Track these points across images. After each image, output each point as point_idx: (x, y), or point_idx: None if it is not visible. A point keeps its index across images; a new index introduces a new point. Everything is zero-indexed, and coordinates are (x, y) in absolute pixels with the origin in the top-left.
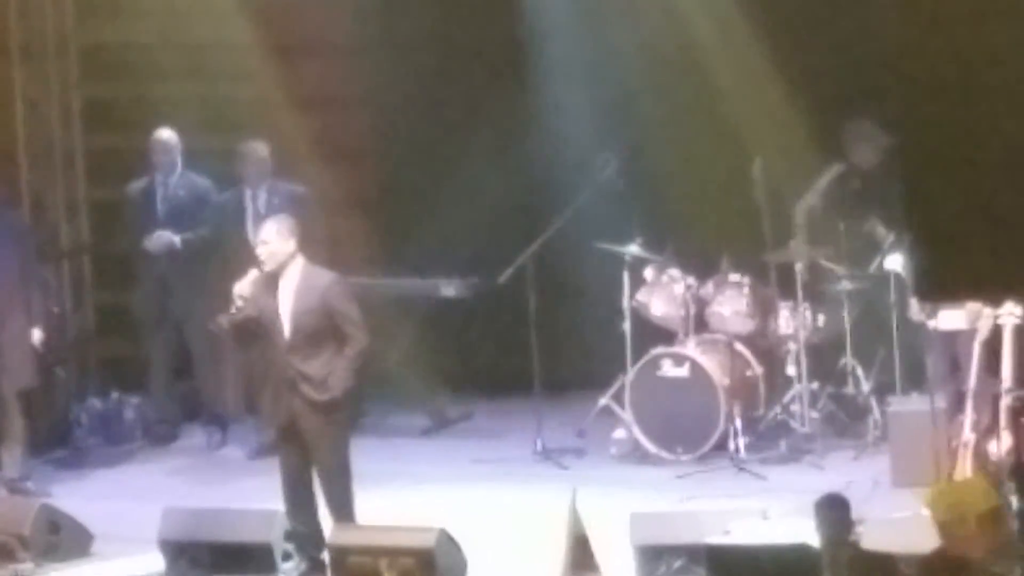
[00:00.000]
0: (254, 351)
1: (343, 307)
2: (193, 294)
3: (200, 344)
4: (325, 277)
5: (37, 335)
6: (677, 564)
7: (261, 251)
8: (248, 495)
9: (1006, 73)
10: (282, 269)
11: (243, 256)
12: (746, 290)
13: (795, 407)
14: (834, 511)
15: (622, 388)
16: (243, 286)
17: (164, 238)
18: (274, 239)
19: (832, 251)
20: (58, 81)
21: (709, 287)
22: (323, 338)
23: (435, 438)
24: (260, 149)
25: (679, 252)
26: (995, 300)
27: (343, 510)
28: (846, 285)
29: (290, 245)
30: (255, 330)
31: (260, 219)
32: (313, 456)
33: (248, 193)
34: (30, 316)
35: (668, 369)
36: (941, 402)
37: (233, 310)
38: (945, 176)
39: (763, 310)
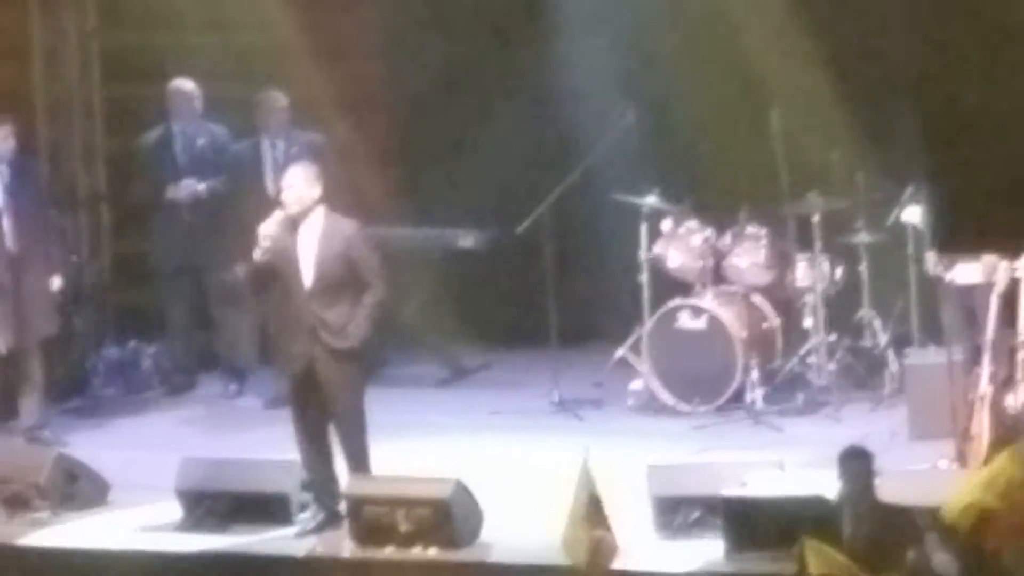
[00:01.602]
0: (269, 298)
1: (367, 255)
2: (210, 243)
3: (216, 294)
4: (350, 225)
5: (57, 283)
6: (694, 515)
7: (287, 195)
8: (265, 445)
9: None
10: (304, 215)
11: (261, 206)
12: (764, 242)
13: (812, 359)
14: (858, 463)
15: (639, 340)
16: (269, 226)
17: (190, 186)
18: (300, 183)
19: (850, 203)
20: (76, 30)
21: (727, 239)
22: (344, 286)
23: (452, 389)
24: (279, 99)
25: (697, 204)
26: (1012, 253)
27: (359, 459)
28: (864, 238)
29: (315, 191)
30: (271, 276)
31: (279, 169)
32: (330, 404)
33: (266, 143)
34: (49, 265)
35: (685, 321)
36: (958, 355)
37: (257, 251)
38: (963, 129)
39: (781, 262)
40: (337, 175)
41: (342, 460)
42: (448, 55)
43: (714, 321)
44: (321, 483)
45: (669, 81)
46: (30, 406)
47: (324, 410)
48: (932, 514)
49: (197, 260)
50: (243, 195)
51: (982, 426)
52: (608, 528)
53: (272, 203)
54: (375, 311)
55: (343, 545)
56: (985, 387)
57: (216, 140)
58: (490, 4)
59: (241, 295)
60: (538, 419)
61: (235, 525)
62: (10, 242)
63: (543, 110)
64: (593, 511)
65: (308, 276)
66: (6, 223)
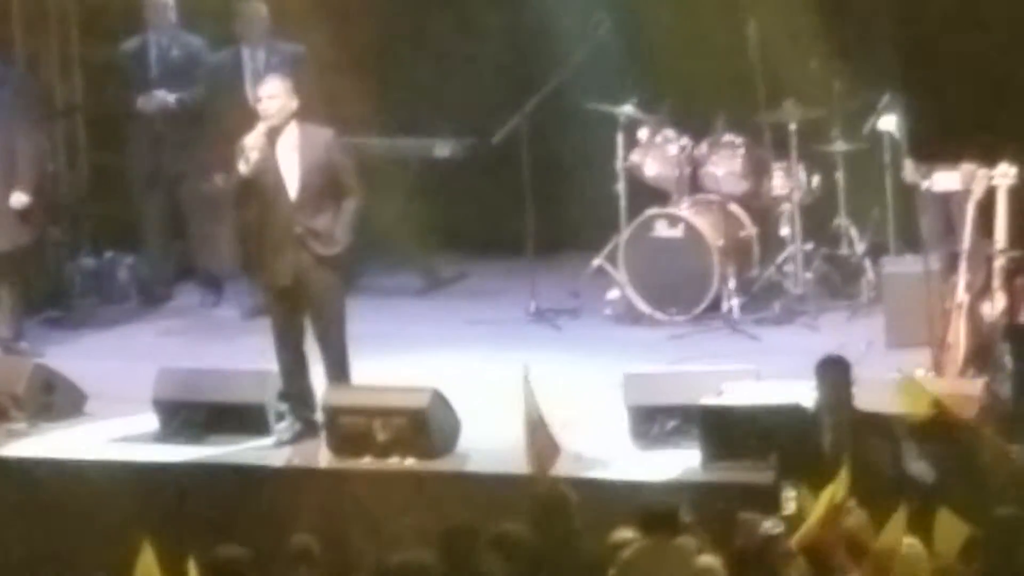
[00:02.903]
0: (248, 211)
1: (346, 161)
2: (187, 154)
3: (194, 204)
4: (326, 133)
5: (18, 199)
6: (671, 425)
7: (270, 106)
8: (242, 355)
9: None
10: (282, 127)
11: (240, 116)
12: (740, 151)
13: (789, 268)
14: (835, 372)
15: (616, 249)
16: (255, 138)
17: (158, 97)
18: (282, 95)
19: (827, 111)
20: None
21: (703, 148)
22: (326, 193)
23: (428, 298)
24: (259, 8)
25: (674, 112)
26: (989, 161)
27: (339, 368)
28: (840, 146)
29: (294, 102)
30: (255, 190)
31: (259, 79)
32: (315, 313)
33: (246, 52)
34: (12, 179)
35: (662, 230)
36: (935, 263)
37: (242, 165)
38: (939, 36)
39: (757, 171)
40: (316, 85)
41: (319, 371)
42: None
43: (691, 230)
44: (298, 393)
45: None
46: (4, 318)
47: (303, 320)
48: (909, 422)
49: (170, 170)
50: (222, 105)
51: (959, 335)
52: (549, 437)
53: (253, 113)
54: (356, 216)
55: (320, 455)
56: (962, 296)
57: (191, 51)
58: None
59: (217, 205)
60: (515, 329)
61: (212, 435)
62: None
63: (520, 19)
64: (535, 425)
65: (292, 187)
66: None
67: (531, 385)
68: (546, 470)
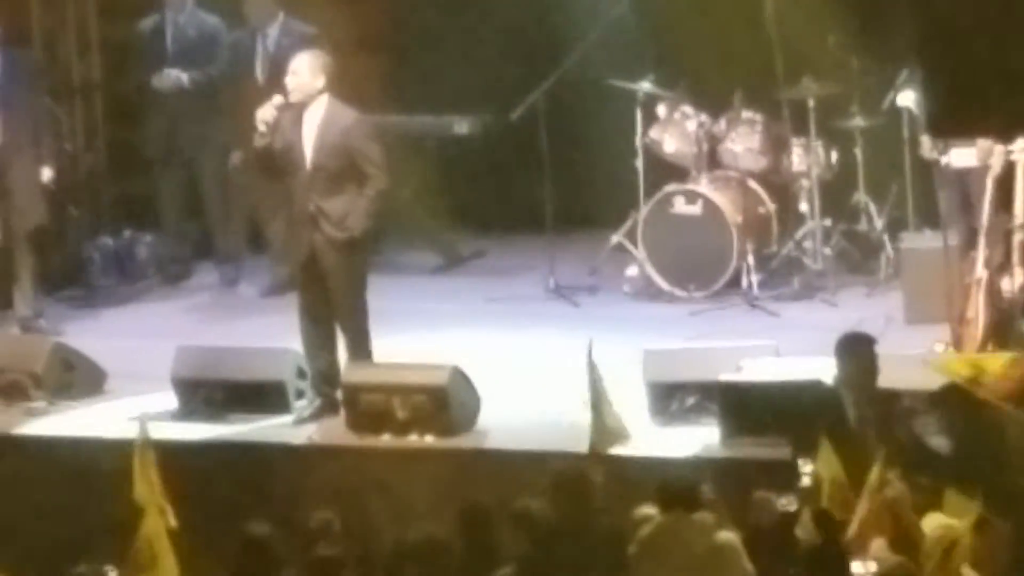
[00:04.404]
0: (276, 184)
1: (365, 147)
2: (202, 132)
3: (210, 182)
4: (349, 116)
5: (47, 174)
6: (690, 401)
7: (290, 81)
8: (261, 333)
9: None
10: (308, 103)
11: (249, 95)
12: (759, 127)
13: (808, 244)
14: (861, 348)
15: (635, 225)
16: (266, 111)
17: (172, 76)
18: (304, 72)
19: (845, 87)
20: None
21: (722, 124)
22: (344, 177)
23: (447, 276)
24: None
25: (692, 88)
26: (1007, 136)
27: (360, 348)
28: (859, 122)
29: (319, 81)
30: (277, 161)
31: (269, 59)
32: (334, 294)
33: (259, 33)
34: (39, 154)
35: (681, 206)
36: (954, 239)
37: (256, 137)
38: (957, 12)
39: (776, 147)
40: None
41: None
42: None
43: (710, 206)
44: (321, 370)
45: None
46: (24, 296)
47: (327, 298)
48: (928, 398)
49: (185, 148)
50: (236, 84)
51: (978, 310)
52: (613, 416)
53: (262, 93)
54: (375, 202)
55: (340, 433)
56: (981, 271)
57: (207, 31)
58: None
59: (234, 183)
60: (534, 306)
61: (231, 413)
62: None
63: None
64: (599, 402)
65: (308, 164)
66: None
67: (595, 362)
68: (603, 450)
